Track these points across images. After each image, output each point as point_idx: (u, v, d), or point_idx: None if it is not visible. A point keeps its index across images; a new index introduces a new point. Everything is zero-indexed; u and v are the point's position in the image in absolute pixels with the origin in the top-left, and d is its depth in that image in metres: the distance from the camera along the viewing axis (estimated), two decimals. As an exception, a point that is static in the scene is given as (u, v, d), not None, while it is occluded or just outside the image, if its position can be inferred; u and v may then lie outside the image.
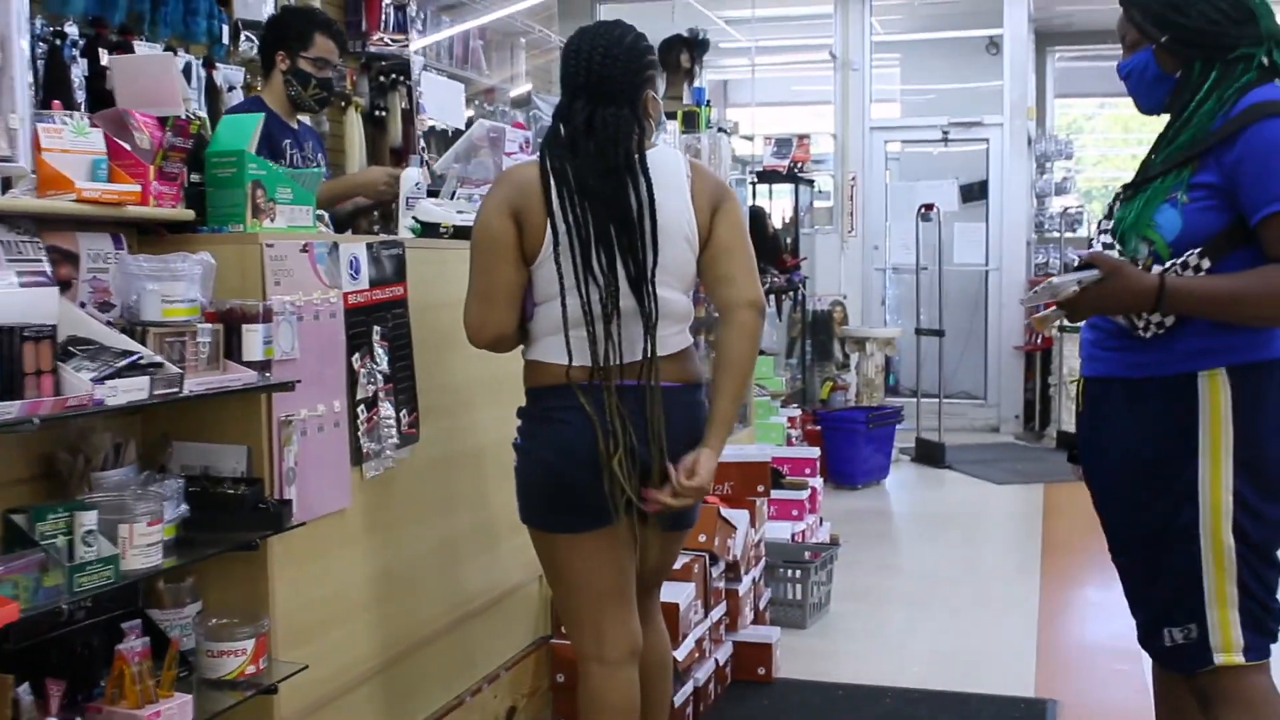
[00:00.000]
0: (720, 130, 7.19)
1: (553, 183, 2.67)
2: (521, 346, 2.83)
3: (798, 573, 4.98)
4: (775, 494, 5.43)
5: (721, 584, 4.28)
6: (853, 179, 9.93)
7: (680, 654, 3.77)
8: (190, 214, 2.54)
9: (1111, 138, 20.04)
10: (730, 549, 4.25)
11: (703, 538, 4.11)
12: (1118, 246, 2.53)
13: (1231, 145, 2.40)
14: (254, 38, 5.17)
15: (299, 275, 2.64)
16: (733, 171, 8.16)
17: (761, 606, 4.75)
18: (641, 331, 2.70)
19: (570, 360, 2.68)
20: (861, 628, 5.10)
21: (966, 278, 10.77)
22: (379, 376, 2.92)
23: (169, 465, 2.54)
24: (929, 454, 8.92)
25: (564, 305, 2.66)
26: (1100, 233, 2.61)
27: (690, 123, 6.88)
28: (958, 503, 7.90)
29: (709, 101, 7.36)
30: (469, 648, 3.45)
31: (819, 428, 8.01)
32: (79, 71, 4.43)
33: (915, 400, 9.42)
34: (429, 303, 3.16)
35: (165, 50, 4.66)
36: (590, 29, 2.82)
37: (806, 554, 5.11)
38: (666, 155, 2.80)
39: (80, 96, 4.36)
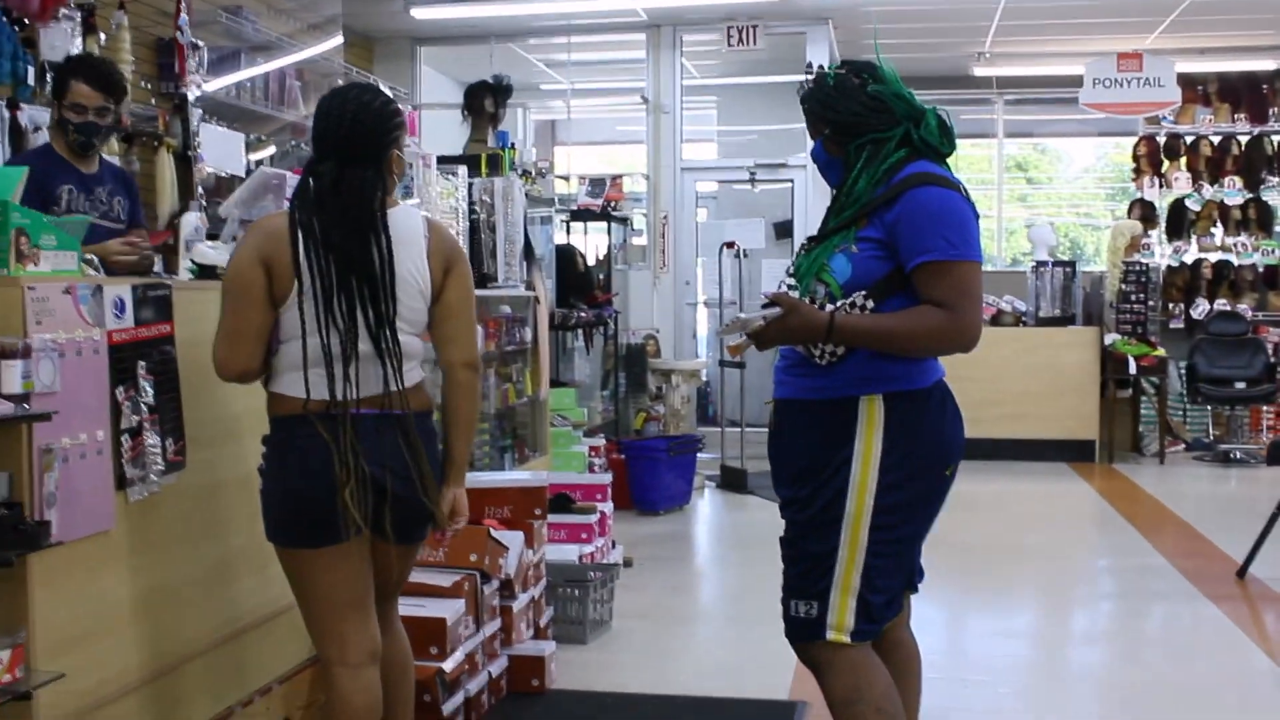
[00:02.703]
0: (524, 174, 7.51)
1: (300, 236, 2.96)
2: (264, 379, 3.11)
3: (576, 591, 5.30)
4: (565, 518, 5.77)
5: (496, 601, 4.57)
6: (664, 217, 10.33)
7: (449, 665, 4.05)
8: (-45, 259, 2.76)
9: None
10: (502, 568, 4.54)
11: (474, 557, 4.39)
12: (798, 287, 2.95)
13: (892, 207, 2.87)
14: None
15: (61, 315, 2.86)
16: (543, 210, 8.47)
17: (543, 623, 5.04)
18: (379, 370, 3.01)
19: (308, 395, 2.98)
20: (640, 642, 5.43)
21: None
22: (144, 408, 3.15)
23: (-67, 489, 2.73)
24: (732, 480, 9.33)
25: (304, 346, 2.96)
26: (787, 275, 3.03)
27: (495, 166, 7.19)
28: (754, 526, 8.29)
29: (513, 144, 7.69)
30: (240, 662, 3.67)
31: (623, 456, 8.36)
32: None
33: (720, 429, 9.83)
34: (201, 339, 3.39)
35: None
36: (342, 91, 3.12)
37: (590, 574, 5.42)
38: (407, 214, 3.12)
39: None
